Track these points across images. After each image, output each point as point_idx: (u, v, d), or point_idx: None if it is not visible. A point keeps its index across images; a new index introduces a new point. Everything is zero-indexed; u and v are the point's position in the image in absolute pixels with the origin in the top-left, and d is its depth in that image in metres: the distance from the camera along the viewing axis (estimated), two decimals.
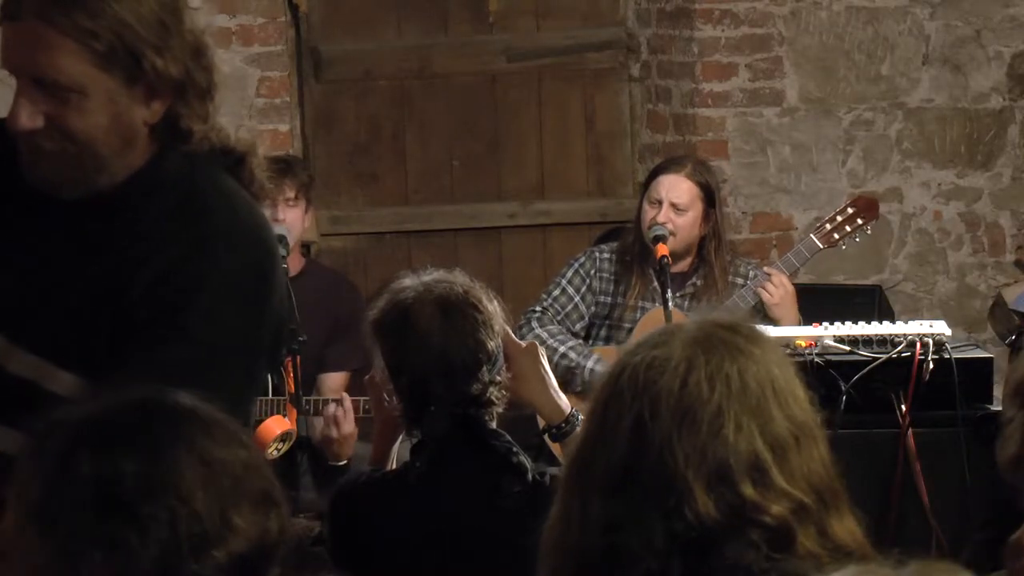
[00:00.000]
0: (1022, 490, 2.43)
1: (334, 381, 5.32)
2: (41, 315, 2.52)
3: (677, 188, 5.31)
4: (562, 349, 5.30)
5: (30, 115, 2.42)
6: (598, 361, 5.25)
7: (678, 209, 5.29)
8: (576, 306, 5.43)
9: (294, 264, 5.29)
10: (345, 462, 5.06)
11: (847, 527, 2.06)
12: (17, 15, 2.42)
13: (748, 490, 2.00)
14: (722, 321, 2.13)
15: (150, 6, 2.44)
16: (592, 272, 5.45)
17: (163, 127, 2.51)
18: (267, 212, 5.09)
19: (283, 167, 5.27)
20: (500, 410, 3.28)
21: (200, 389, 2.00)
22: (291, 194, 5.22)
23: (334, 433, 4.98)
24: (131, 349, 2.44)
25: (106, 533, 1.80)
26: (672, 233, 5.26)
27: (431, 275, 3.30)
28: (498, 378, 3.25)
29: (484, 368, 3.22)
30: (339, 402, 5.00)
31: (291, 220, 5.21)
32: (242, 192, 2.59)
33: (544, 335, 5.33)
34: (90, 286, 2.51)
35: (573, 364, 5.27)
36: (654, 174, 5.44)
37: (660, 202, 5.30)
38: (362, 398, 5.00)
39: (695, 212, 5.32)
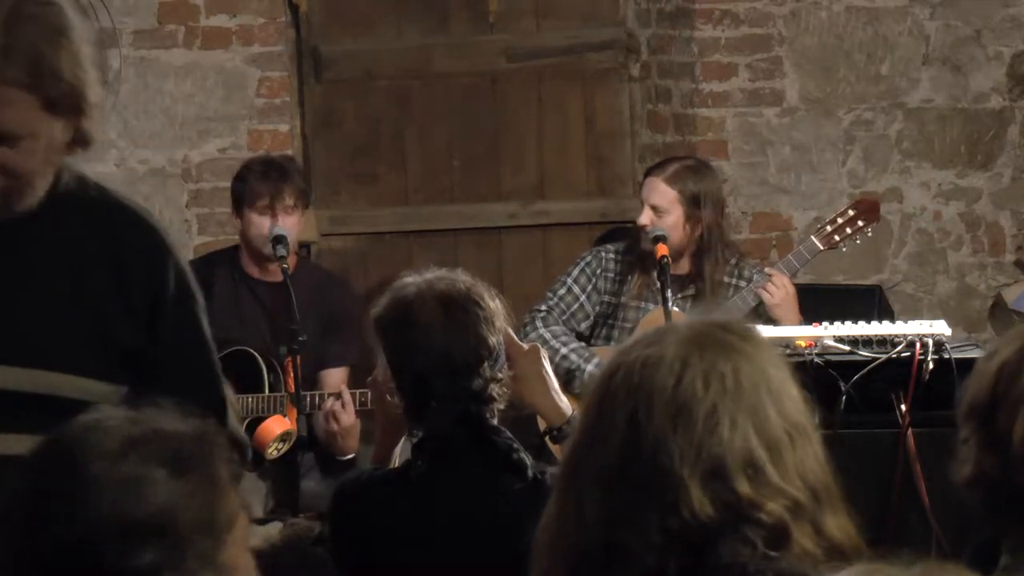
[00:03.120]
0: (977, 511, 2.42)
1: (334, 377, 5.34)
2: (23, 330, 2.64)
3: (655, 191, 5.34)
4: (564, 351, 5.31)
5: None
6: (598, 365, 5.26)
7: (658, 211, 5.31)
8: (581, 305, 5.44)
9: (292, 265, 5.30)
10: (352, 456, 5.09)
11: (842, 525, 2.07)
12: None
13: (743, 487, 2.00)
14: (716, 320, 2.14)
15: (79, 45, 2.54)
16: (598, 271, 5.45)
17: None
18: (266, 220, 5.19)
19: (282, 175, 5.28)
20: (501, 407, 3.28)
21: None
22: (290, 202, 5.26)
23: (334, 427, 5.02)
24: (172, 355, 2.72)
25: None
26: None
27: (433, 273, 3.31)
28: (499, 375, 3.25)
29: (486, 364, 3.22)
30: (338, 395, 5.03)
31: (289, 225, 5.24)
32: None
33: (547, 335, 5.34)
34: (57, 290, 2.66)
35: (573, 367, 5.28)
36: (644, 176, 5.50)
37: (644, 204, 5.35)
38: (359, 390, 5.03)
39: (676, 215, 5.32)
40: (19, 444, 2.51)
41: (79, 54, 2.55)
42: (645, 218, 5.31)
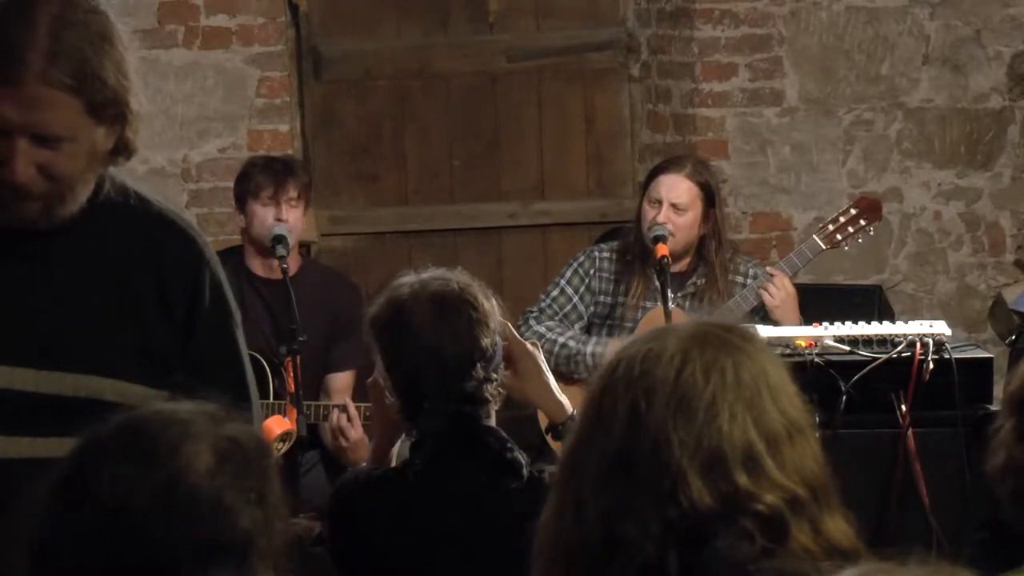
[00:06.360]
0: (1005, 501, 2.43)
1: (340, 381, 5.33)
2: (65, 335, 2.68)
3: (677, 188, 5.30)
4: (561, 340, 5.32)
5: (25, 168, 2.56)
6: (597, 344, 5.28)
7: (678, 209, 5.29)
8: (575, 307, 5.43)
9: (293, 264, 5.30)
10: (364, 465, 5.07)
11: (839, 526, 2.08)
12: (19, 81, 2.53)
13: (742, 479, 2.02)
14: (717, 322, 2.16)
15: (123, 53, 2.60)
16: (591, 272, 5.45)
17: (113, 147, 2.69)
18: (270, 212, 5.20)
19: (285, 168, 5.30)
20: (496, 407, 3.28)
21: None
22: (294, 194, 5.26)
23: (343, 443, 5.00)
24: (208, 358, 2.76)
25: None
26: (672, 233, 5.26)
27: (430, 273, 3.31)
28: (494, 376, 3.25)
29: (478, 365, 3.22)
30: (343, 408, 5.02)
31: (293, 220, 5.24)
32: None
33: (542, 329, 5.35)
34: (98, 297, 2.70)
35: (574, 351, 5.29)
36: (653, 174, 5.44)
37: (660, 202, 5.29)
38: (363, 404, 5.02)
39: (695, 212, 5.31)
40: (63, 447, 2.54)
41: (123, 62, 2.58)
42: (664, 215, 5.27)
